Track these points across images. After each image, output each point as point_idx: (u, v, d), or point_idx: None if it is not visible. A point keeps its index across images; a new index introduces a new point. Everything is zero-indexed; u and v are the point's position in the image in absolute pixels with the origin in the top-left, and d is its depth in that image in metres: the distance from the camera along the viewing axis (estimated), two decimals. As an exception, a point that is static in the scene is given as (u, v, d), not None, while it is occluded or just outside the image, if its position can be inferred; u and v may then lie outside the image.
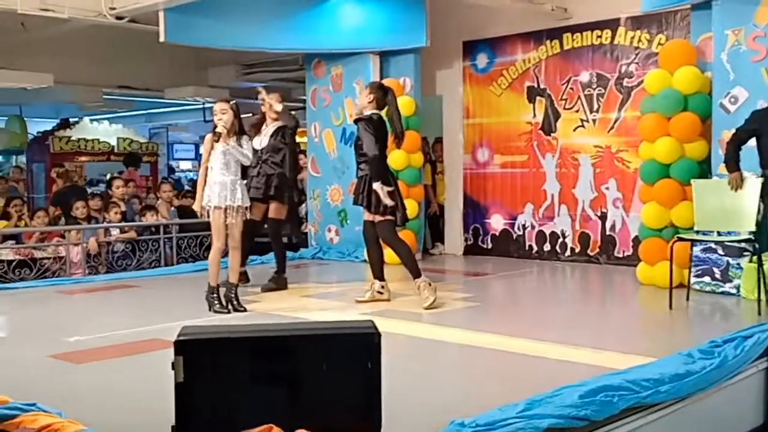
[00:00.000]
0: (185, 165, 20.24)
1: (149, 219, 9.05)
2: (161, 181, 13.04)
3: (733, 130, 6.03)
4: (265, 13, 8.59)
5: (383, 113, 6.15)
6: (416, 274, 5.98)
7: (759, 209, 5.69)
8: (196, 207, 5.84)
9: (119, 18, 7.90)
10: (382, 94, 6.12)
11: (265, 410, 2.50)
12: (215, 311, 5.72)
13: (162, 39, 7.85)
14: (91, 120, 14.99)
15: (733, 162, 5.84)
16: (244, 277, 6.99)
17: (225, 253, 5.83)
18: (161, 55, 10.27)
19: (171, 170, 18.90)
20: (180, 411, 2.49)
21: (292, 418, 2.49)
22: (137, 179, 12.73)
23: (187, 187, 13.59)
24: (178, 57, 10.78)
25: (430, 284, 5.95)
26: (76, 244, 8.23)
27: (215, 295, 5.77)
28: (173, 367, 2.49)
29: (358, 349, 2.53)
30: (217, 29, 8.34)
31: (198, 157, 19.20)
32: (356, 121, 6.13)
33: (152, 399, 3.56)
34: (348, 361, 2.52)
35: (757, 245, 5.57)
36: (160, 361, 3.10)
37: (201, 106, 14.86)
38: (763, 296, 5.52)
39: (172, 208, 9.84)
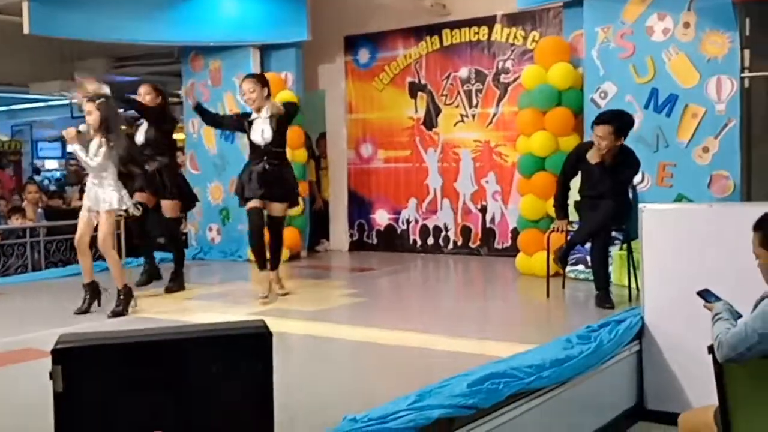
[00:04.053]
0: (51, 164, 19.18)
1: (15, 222, 8.53)
2: (26, 181, 12.33)
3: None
4: (137, 4, 8.24)
5: None
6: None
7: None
8: None
9: (-22, 8, 7.41)
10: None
11: (152, 418, 2.40)
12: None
13: (26, 31, 7.41)
14: (-54, 117, 14.00)
15: (560, 209, 5.91)
16: (155, 275, 6.72)
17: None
18: (25, 47, 9.65)
19: (36, 171, 17.86)
20: (60, 422, 2.36)
21: (181, 425, 2.40)
22: (5, 180, 11.96)
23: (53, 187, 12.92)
24: (43, 50, 10.17)
25: None
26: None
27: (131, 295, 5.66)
28: (51, 377, 2.35)
29: (248, 351, 2.47)
30: (86, 20, 7.94)
31: (65, 155, 18.34)
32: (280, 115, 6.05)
33: (29, 411, 3.36)
34: (238, 363, 2.45)
35: (626, 233, 5.80)
36: (34, 372, 2.94)
37: (68, 102, 14.13)
38: (633, 283, 5.79)
39: (39, 210, 9.32)
